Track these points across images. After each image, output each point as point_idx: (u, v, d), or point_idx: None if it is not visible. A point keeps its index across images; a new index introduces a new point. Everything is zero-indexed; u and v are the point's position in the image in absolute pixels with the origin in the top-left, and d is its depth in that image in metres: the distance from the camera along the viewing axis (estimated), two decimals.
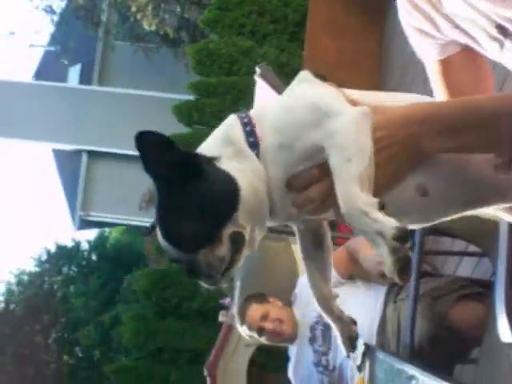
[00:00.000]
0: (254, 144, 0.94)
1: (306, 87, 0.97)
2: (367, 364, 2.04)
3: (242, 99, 6.59)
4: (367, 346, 2.08)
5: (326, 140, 0.89)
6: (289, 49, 7.74)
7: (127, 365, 9.34)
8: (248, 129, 0.95)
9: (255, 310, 2.70)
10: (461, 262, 2.86)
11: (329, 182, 0.91)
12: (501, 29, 1.09)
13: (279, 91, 1.75)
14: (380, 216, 0.84)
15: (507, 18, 1.08)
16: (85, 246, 17.58)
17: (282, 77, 7.21)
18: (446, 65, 1.19)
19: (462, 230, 2.10)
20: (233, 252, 0.90)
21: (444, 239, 2.26)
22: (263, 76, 1.80)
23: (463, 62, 1.18)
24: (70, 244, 17.55)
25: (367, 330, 2.53)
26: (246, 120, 0.96)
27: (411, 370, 1.60)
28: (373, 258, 2.53)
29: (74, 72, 14.69)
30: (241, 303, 2.78)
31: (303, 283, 2.80)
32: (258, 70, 1.85)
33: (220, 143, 0.96)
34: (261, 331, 2.69)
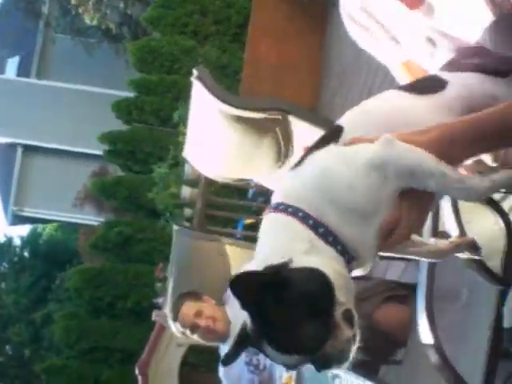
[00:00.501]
0: (325, 233, 0.96)
1: (341, 159, 1.00)
2: None
3: (182, 98, 6.57)
4: None
5: (408, 181, 0.98)
6: (230, 50, 7.77)
7: (58, 364, 9.20)
8: (311, 222, 0.97)
9: (189, 308, 2.71)
10: (389, 266, 2.92)
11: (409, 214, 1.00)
12: (430, 41, 1.17)
13: (216, 94, 1.78)
14: (498, 176, 1.02)
15: (435, 29, 1.15)
16: (17, 241, 17.20)
17: (223, 78, 7.20)
18: (409, 66, 1.27)
19: None
20: (351, 328, 0.94)
21: None
22: (200, 78, 1.81)
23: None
24: (1, 239, 17.16)
25: None
26: (301, 214, 0.97)
27: (335, 369, 1.64)
28: None
29: (12, 64, 14.37)
30: (175, 300, 2.79)
31: None
32: (195, 72, 1.86)
33: (289, 244, 0.96)
34: (194, 328, 2.70)
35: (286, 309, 0.91)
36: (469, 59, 1.14)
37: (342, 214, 0.96)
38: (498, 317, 1.65)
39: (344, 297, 0.93)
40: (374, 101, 1.12)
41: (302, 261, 0.92)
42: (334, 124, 1.08)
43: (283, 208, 0.98)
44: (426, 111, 1.07)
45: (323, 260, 0.93)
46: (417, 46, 1.21)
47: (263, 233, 0.99)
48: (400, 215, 0.98)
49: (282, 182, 1.03)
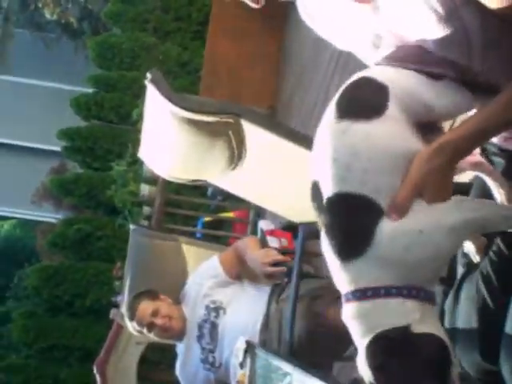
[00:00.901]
0: (419, 292, 1.04)
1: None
2: (248, 361, 2.11)
3: (141, 96, 6.55)
4: (248, 344, 2.15)
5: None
6: (191, 47, 7.76)
7: (16, 363, 9.08)
8: (405, 292, 1.04)
9: (146, 306, 2.73)
10: None
11: None
12: (377, 36, 1.21)
13: (168, 97, 1.80)
14: None
15: (381, 25, 1.18)
16: None
17: (184, 75, 7.19)
18: None
19: None
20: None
21: None
22: (153, 81, 1.83)
23: None
24: None
25: (251, 328, 2.61)
26: (394, 291, 1.04)
27: (286, 366, 1.68)
28: (258, 259, 2.61)
29: None
30: (131, 299, 2.81)
31: (192, 282, 2.85)
32: (148, 75, 1.87)
33: (401, 320, 1.03)
34: (151, 327, 2.73)
35: (414, 369, 1.00)
36: (410, 56, 1.17)
37: (428, 271, 1.06)
38: (441, 315, 1.70)
39: (453, 355, 1.04)
40: None
41: (419, 328, 1.01)
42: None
43: (372, 293, 1.04)
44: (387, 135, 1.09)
45: (434, 323, 1.04)
46: (363, 41, 1.23)
47: (360, 325, 1.06)
48: None
49: (349, 268, 1.07)
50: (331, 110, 1.13)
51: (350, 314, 1.07)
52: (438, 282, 1.15)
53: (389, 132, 1.07)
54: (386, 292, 1.03)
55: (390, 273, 1.03)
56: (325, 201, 1.07)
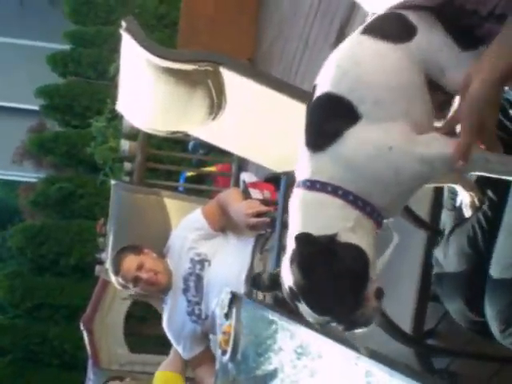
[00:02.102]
0: (364, 204, 1.06)
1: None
2: (234, 311, 2.11)
3: (119, 50, 6.43)
4: (233, 294, 2.15)
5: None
6: (168, 0, 7.62)
7: (3, 323, 9.10)
8: (351, 198, 1.05)
9: (130, 261, 2.73)
10: None
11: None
12: None
13: (145, 46, 1.75)
14: None
15: None
16: None
17: (161, 28, 7.05)
18: None
19: None
20: (378, 302, 1.08)
21: None
22: (128, 30, 1.78)
23: None
24: None
25: (235, 279, 2.62)
26: (341, 192, 1.05)
27: (271, 315, 1.68)
28: (241, 210, 2.60)
29: None
30: (116, 254, 2.80)
31: (176, 236, 2.84)
32: (123, 23, 1.83)
33: (330, 222, 1.05)
34: (136, 281, 2.73)
35: (330, 277, 1.03)
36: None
37: (382, 191, 1.07)
38: (426, 261, 1.71)
39: (374, 272, 1.07)
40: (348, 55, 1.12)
41: (347, 237, 1.04)
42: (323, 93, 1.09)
43: (320, 187, 1.06)
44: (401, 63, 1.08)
45: (364, 237, 1.06)
46: None
47: (299, 211, 1.08)
48: None
49: (311, 159, 1.08)
50: (360, 28, 1.15)
51: (293, 201, 1.10)
52: (395, 213, 1.14)
53: (399, 59, 1.08)
54: (333, 190, 1.05)
55: (345, 176, 1.05)
56: (314, 99, 1.10)
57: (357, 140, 1.05)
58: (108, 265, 2.93)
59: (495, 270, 1.25)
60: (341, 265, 1.03)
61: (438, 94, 1.12)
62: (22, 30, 12.67)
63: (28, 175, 11.27)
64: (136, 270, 2.72)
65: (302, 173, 1.09)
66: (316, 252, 1.03)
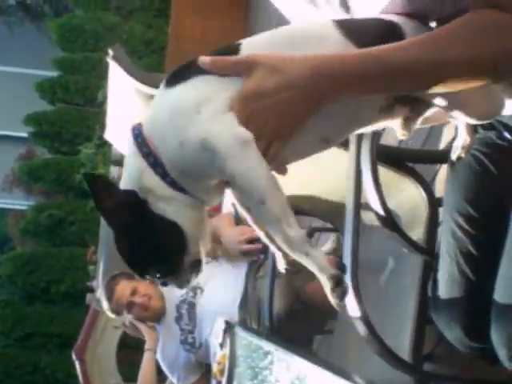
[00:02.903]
0: (173, 182, 0.95)
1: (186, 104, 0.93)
2: (228, 341, 2.08)
3: (106, 76, 6.44)
4: (228, 324, 2.12)
5: (230, 179, 0.92)
6: (155, 25, 7.64)
7: None
8: (160, 171, 0.94)
9: (124, 286, 2.72)
10: (319, 239, 2.96)
11: None
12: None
13: (132, 74, 1.74)
14: (316, 256, 0.92)
15: None
16: None
17: (150, 53, 7.05)
18: None
19: (318, 210, 2.18)
20: (195, 272, 1.01)
21: (304, 218, 2.35)
22: (115, 58, 1.76)
23: None
24: None
25: (229, 307, 2.58)
26: (152, 161, 0.95)
27: (266, 345, 1.65)
28: (233, 237, 2.57)
29: None
30: (108, 280, 2.78)
31: None
32: (110, 52, 1.81)
33: (143, 184, 0.95)
34: (130, 306, 2.71)
35: (141, 238, 0.96)
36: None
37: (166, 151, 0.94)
38: (423, 286, 1.68)
39: (197, 246, 0.98)
40: (302, 30, 1.03)
41: (157, 206, 0.94)
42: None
43: (140, 142, 0.95)
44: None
45: (177, 209, 0.95)
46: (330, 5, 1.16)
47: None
48: None
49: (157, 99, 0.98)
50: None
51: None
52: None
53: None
54: (146, 154, 0.95)
55: (152, 121, 0.97)
56: None
57: (187, 87, 0.95)
58: (99, 293, 2.89)
59: (502, 296, 1.21)
60: (150, 231, 0.95)
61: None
62: (10, 57, 12.69)
63: (18, 202, 11.21)
64: (130, 295, 2.71)
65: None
66: (131, 210, 0.95)
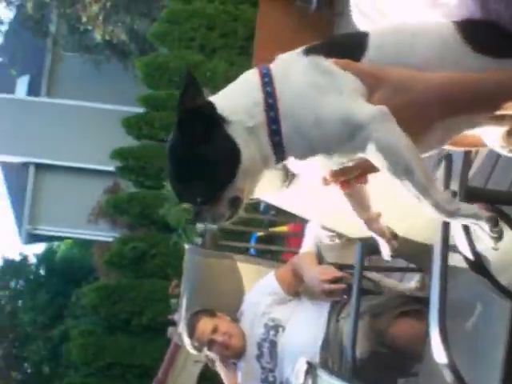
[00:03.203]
0: (273, 119, 0.96)
1: (328, 84, 0.97)
2: (310, 382, 2.06)
3: None
4: (310, 364, 2.11)
5: (369, 153, 0.95)
6: (238, 63, 7.78)
7: (76, 381, 9.21)
8: (271, 101, 0.97)
9: (205, 323, 2.72)
10: (403, 279, 2.91)
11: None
12: None
13: None
14: (466, 208, 0.97)
15: None
16: (33, 259, 17.27)
17: None
18: None
19: (402, 250, 2.15)
20: (231, 210, 1.00)
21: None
22: None
23: None
24: (17, 258, 17.23)
25: (311, 347, 2.56)
26: (269, 89, 0.97)
27: None
28: (316, 276, 2.56)
29: (22, 83, 14.47)
30: (190, 317, 2.80)
31: (249, 301, 2.82)
32: None
33: (239, 110, 0.97)
34: (211, 344, 2.72)
35: (197, 156, 0.96)
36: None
37: (297, 130, 0.96)
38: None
39: (243, 184, 0.97)
40: (423, 27, 1.05)
41: (236, 131, 0.95)
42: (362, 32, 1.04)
43: (266, 74, 0.98)
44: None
45: (250, 144, 0.96)
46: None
47: (241, 77, 1.01)
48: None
49: (289, 59, 1.01)
50: None
51: None
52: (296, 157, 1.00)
53: None
54: (265, 76, 0.98)
55: (285, 95, 0.98)
56: None
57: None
58: (181, 328, 2.92)
59: None
60: (212, 152, 0.95)
61: None
62: (98, 94, 13.18)
63: (103, 234, 11.54)
64: (211, 333, 2.70)
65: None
66: (197, 122, 0.96)
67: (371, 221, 1.13)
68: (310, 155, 0.97)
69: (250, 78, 1.00)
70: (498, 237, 0.99)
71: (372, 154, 0.94)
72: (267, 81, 0.98)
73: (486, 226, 0.97)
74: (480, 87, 0.98)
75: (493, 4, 1.03)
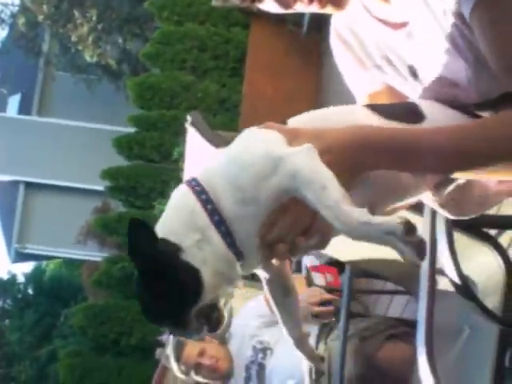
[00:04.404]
0: (219, 222, 0.98)
1: (249, 138, 1.02)
2: None
3: (181, 133, 6.61)
4: None
5: (290, 182, 0.95)
6: (229, 84, 7.82)
7: None
8: (209, 207, 0.98)
9: (192, 347, 2.71)
10: (391, 302, 2.92)
11: (301, 216, 0.97)
12: (410, 68, 1.18)
13: (209, 139, 1.79)
14: (379, 219, 0.92)
15: (415, 54, 1.16)
16: (21, 278, 17.16)
17: (223, 112, 7.21)
18: (374, 99, 1.27)
19: (390, 273, 2.16)
20: (207, 321, 1.01)
21: (376, 281, 2.33)
22: (194, 124, 1.83)
23: (387, 96, 1.27)
24: (5, 277, 17.11)
25: (299, 370, 2.55)
26: (204, 197, 0.99)
27: None
28: (304, 299, 2.56)
29: (14, 102, 14.47)
30: (177, 341, 2.79)
31: (237, 323, 2.82)
32: (188, 117, 1.87)
33: (181, 228, 0.99)
34: (198, 368, 2.71)
35: (157, 290, 0.99)
36: (446, 88, 1.14)
37: (233, 192, 0.97)
38: (500, 356, 1.64)
39: (212, 295, 0.99)
40: (337, 109, 1.13)
41: (191, 253, 0.96)
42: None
43: (194, 184, 1.00)
44: None
45: (208, 257, 0.97)
46: (397, 72, 1.22)
47: (171, 200, 1.02)
48: (274, 219, 0.97)
49: (210, 161, 1.05)
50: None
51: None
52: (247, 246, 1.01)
53: None
54: (195, 185, 1.00)
55: (215, 182, 1.00)
56: None
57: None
58: (169, 351, 2.91)
59: None
60: (171, 281, 0.97)
61: None
62: (89, 114, 13.19)
63: (91, 254, 11.49)
64: (197, 357, 2.70)
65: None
66: (156, 266, 0.97)
67: (303, 340, 1.13)
68: (251, 218, 0.97)
69: (181, 195, 1.02)
70: (415, 247, 0.90)
71: (298, 184, 0.95)
72: (199, 190, 1.00)
73: (400, 235, 0.89)
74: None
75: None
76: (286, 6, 1.14)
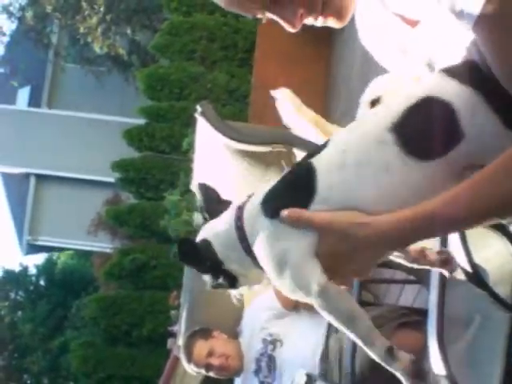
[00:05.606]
0: (248, 249, 1.08)
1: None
2: None
3: (191, 124, 6.60)
4: (309, 376, 2.11)
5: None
6: (238, 74, 7.81)
7: None
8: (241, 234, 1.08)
9: (201, 347, 2.71)
10: (402, 291, 2.91)
11: None
12: (427, 61, 1.18)
13: (220, 130, 1.79)
14: (395, 366, 1.06)
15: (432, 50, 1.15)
16: (33, 270, 17.26)
17: (233, 102, 7.19)
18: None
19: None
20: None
21: (386, 270, 2.33)
22: (203, 114, 1.83)
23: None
24: (17, 269, 17.21)
25: (310, 359, 2.56)
26: (239, 224, 1.08)
27: None
28: None
29: (23, 94, 14.51)
30: (186, 340, 2.79)
31: (248, 315, 2.82)
32: (198, 108, 1.87)
33: (226, 248, 1.10)
34: (208, 368, 2.72)
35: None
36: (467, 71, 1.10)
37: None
38: (510, 344, 1.63)
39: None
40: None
41: (230, 267, 1.10)
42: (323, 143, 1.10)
43: (240, 220, 1.08)
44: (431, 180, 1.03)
45: (245, 274, 1.11)
46: (414, 64, 1.21)
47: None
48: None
49: (256, 196, 1.09)
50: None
51: None
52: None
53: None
54: (239, 226, 1.09)
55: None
56: None
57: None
58: (181, 350, 2.91)
59: None
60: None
61: None
62: (99, 105, 13.22)
63: (102, 245, 11.54)
64: (206, 357, 2.70)
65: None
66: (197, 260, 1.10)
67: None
68: None
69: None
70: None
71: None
72: (239, 225, 1.09)
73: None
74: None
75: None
76: (293, 26, 1.23)
